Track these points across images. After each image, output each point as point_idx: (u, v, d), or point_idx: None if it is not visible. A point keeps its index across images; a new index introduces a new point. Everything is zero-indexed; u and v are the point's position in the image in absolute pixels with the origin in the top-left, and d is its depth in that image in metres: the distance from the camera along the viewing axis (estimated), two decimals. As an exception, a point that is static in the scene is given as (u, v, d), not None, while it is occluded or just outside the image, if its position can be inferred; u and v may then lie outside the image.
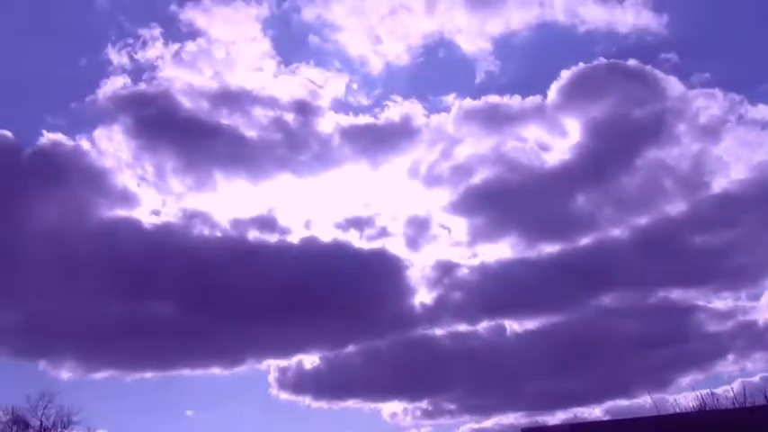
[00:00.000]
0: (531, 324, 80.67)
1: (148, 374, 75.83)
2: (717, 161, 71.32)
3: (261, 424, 79.59)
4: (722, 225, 69.40)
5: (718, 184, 72.32)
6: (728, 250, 69.91)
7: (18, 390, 75.35)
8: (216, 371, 78.72)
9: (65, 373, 72.53)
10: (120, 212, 69.22)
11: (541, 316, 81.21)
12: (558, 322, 75.93)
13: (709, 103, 73.76)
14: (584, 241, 77.18)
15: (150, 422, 76.05)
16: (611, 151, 70.41)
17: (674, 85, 72.34)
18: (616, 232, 72.55)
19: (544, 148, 74.91)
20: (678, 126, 71.86)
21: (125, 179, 72.55)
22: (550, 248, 78.13)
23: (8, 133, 67.12)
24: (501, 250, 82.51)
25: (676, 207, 72.59)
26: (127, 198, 70.25)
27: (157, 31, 77.91)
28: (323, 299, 65.68)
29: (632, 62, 74.00)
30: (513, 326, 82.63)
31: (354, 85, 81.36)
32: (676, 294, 77.37)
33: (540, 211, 69.61)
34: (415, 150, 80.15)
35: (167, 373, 75.71)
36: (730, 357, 72.70)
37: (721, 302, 74.91)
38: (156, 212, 73.43)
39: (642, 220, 72.24)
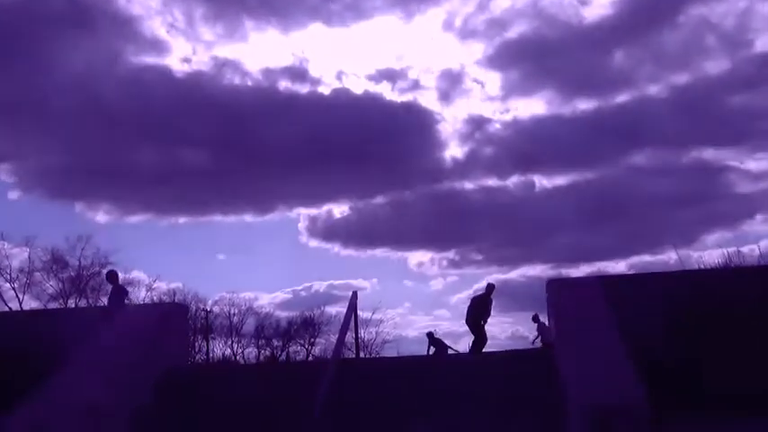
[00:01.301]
0: (561, 180, 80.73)
1: (182, 219, 77.98)
2: (763, 20, 69.12)
3: (291, 268, 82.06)
4: (763, 85, 68.08)
5: (762, 43, 70.33)
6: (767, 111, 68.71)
7: (56, 231, 77.97)
8: (247, 217, 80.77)
9: (101, 216, 74.63)
10: (150, 60, 69.12)
11: (572, 172, 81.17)
12: (589, 179, 75.85)
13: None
14: (621, 98, 75.83)
15: (183, 264, 78.72)
16: (652, 7, 67.89)
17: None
18: (653, 90, 71.32)
19: (583, 2, 72.68)
20: (725, -18, 69.08)
21: (154, 26, 71.95)
22: (585, 105, 77.22)
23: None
24: (535, 106, 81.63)
25: (717, 65, 70.91)
26: (156, 45, 69.82)
27: None
28: (353, 150, 65.89)
29: None
30: (542, 181, 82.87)
31: (391, -64, 78.25)
32: (710, 154, 76.76)
33: (576, 67, 68.00)
34: (450, 2, 78.05)
35: (200, 218, 77.69)
36: (759, 218, 72.80)
37: (755, 163, 74.41)
38: (187, 60, 73.04)
39: (681, 79, 70.89)
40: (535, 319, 23.32)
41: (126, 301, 14.01)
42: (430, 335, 23.75)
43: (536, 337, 23.19)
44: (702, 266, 11.75)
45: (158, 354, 11.33)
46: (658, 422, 7.62)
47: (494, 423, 9.54)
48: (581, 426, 7.68)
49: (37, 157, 64.02)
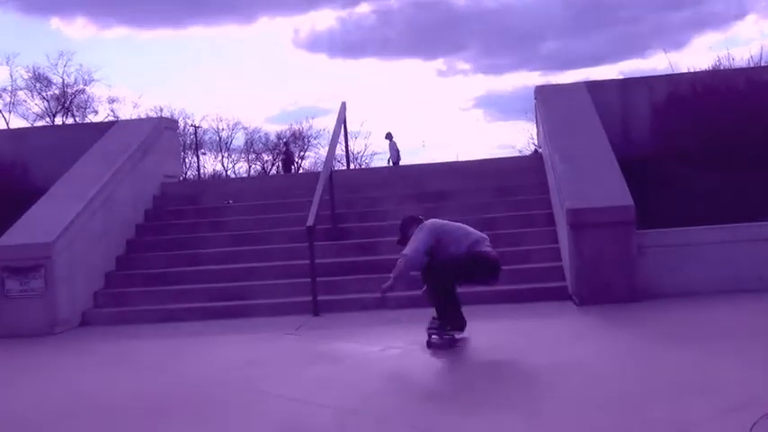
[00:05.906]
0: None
1: (162, 32, 75.95)
2: None
3: (277, 80, 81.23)
4: None
5: None
6: None
7: (33, 48, 76.00)
8: (229, 29, 78.72)
9: (77, 31, 72.64)
10: None
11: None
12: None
13: None
14: None
15: (167, 79, 77.62)
16: None
17: None
18: None
19: None
20: None
21: None
22: None
23: None
24: None
25: None
26: None
27: None
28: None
29: None
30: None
31: None
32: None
33: None
34: None
35: (181, 31, 75.69)
36: (750, 19, 71.49)
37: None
38: None
39: None
40: (388, 137, 23.84)
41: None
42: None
43: (390, 157, 23.74)
44: (692, 70, 11.65)
45: (154, 169, 11.46)
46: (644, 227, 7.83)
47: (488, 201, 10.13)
48: (565, 227, 7.93)
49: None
